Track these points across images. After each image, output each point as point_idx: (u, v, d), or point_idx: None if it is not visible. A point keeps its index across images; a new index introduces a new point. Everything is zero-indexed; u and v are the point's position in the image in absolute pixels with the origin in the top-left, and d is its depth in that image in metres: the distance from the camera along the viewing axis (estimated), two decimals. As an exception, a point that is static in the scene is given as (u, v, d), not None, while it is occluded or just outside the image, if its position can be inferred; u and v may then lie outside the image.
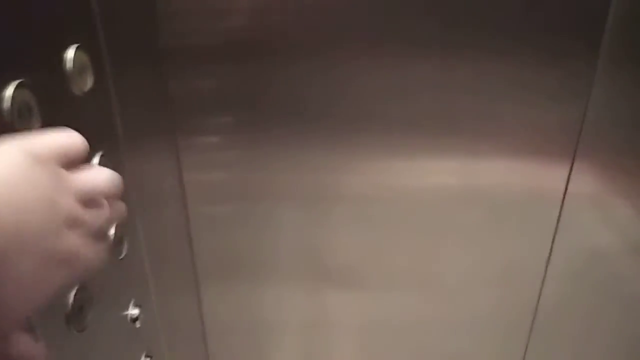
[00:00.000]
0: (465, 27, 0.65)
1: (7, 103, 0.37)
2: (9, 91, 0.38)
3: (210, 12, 0.65)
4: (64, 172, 0.31)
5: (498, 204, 0.78)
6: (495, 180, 0.76)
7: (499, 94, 0.69)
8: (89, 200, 0.33)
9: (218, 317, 0.90)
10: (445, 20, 0.65)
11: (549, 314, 0.86)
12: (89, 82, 0.51)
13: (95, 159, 0.52)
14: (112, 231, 0.57)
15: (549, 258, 0.81)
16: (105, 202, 0.35)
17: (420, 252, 0.82)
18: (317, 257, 0.84)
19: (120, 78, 0.57)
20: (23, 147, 0.29)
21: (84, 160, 0.34)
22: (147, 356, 0.70)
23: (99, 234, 0.34)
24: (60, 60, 0.47)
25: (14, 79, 0.38)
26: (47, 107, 0.42)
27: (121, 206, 0.37)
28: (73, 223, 0.31)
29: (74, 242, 0.31)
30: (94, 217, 0.33)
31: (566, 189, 0.75)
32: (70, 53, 0.47)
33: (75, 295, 0.48)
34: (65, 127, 0.33)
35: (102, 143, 0.54)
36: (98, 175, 0.34)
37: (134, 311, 0.63)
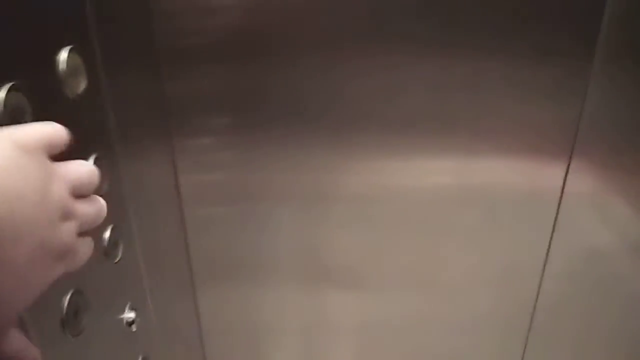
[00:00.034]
0: (461, 27, 0.65)
1: (-1, 106, 0.37)
2: (1, 94, 0.37)
3: (206, 11, 0.65)
4: (51, 162, 0.31)
5: (495, 203, 0.78)
6: (493, 179, 0.76)
7: (495, 93, 0.69)
8: (78, 193, 0.33)
9: (215, 319, 0.90)
10: (442, 20, 0.65)
11: (548, 313, 0.86)
12: (82, 84, 0.50)
13: (90, 162, 0.52)
14: (107, 234, 0.57)
15: (546, 257, 0.81)
16: (93, 196, 0.35)
17: (419, 251, 0.82)
18: (314, 258, 0.84)
19: (115, 80, 0.56)
20: (10, 137, 0.28)
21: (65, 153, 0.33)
22: (143, 360, 0.70)
23: (88, 229, 0.34)
24: (53, 62, 0.46)
25: (6, 82, 0.38)
26: (40, 109, 0.41)
27: (103, 203, 0.37)
28: (67, 215, 0.30)
29: (69, 235, 0.31)
30: (84, 210, 0.33)
31: (563, 187, 0.75)
32: (63, 55, 0.47)
33: (70, 299, 0.48)
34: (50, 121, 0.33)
35: (96, 145, 0.54)
36: (80, 167, 0.34)
37: (129, 315, 0.62)
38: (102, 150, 0.54)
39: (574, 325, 0.86)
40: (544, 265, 0.82)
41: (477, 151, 0.74)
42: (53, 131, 0.32)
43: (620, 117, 0.69)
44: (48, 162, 0.31)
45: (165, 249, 0.78)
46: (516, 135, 0.72)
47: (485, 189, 0.77)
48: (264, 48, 0.67)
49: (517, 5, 0.64)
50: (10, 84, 0.38)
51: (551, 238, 0.80)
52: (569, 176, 0.74)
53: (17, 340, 0.31)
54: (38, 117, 0.41)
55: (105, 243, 0.57)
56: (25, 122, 0.40)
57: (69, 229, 0.31)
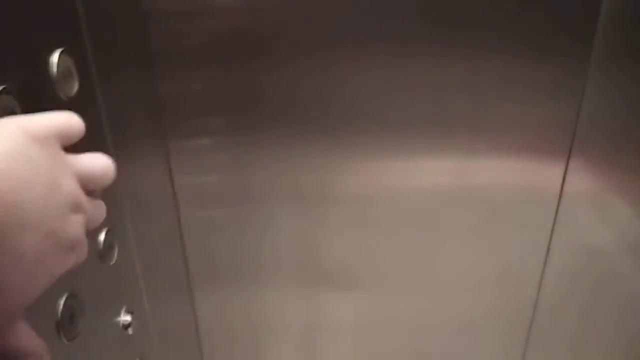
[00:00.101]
0: (459, 27, 0.65)
1: (-11, 110, 0.37)
2: (-9, 97, 0.37)
3: (200, 12, 0.64)
4: (63, 152, 0.31)
5: (494, 203, 0.78)
6: (492, 179, 0.76)
7: (494, 93, 0.69)
8: (91, 186, 0.32)
9: (213, 321, 0.90)
10: (440, 20, 0.65)
11: (547, 313, 0.86)
12: (74, 87, 0.50)
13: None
14: (102, 236, 0.57)
15: (546, 256, 0.81)
16: (96, 193, 0.34)
17: (418, 252, 0.82)
18: (312, 259, 0.84)
19: (108, 81, 0.56)
20: (21, 125, 0.28)
21: (82, 143, 0.33)
22: (140, 363, 0.69)
23: (94, 226, 0.33)
24: (45, 64, 0.46)
25: (-3, 85, 0.38)
26: (32, 113, 0.41)
27: (104, 206, 0.36)
28: (76, 208, 0.30)
29: (77, 227, 0.30)
30: (92, 206, 0.33)
31: (562, 187, 0.75)
32: (54, 57, 0.46)
33: (66, 302, 0.47)
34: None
35: (90, 148, 0.53)
36: (95, 160, 0.33)
37: (126, 318, 0.62)
38: (95, 152, 0.53)
39: (573, 325, 0.86)
40: (544, 265, 0.82)
41: (476, 151, 0.73)
42: (67, 120, 0.32)
43: (619, 115, 0.69)
44: (60, 152, 0.30)
45: (161, 251, 0.78)
46: (515, 135, 0.72)
47: (484, 189, 0.77)
48: (260, 48, 0.67)
49: (515, 5, 0.64)
50: (1, 87, 0.38)
51: (550, 237, 0.80)
52: (567, 175, 0.74)
53: (24, 334, 0.30)
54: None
55: (101, 246, 0.57)
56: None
57: (77, 221, 0.30)
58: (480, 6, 0.64)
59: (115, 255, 0.60)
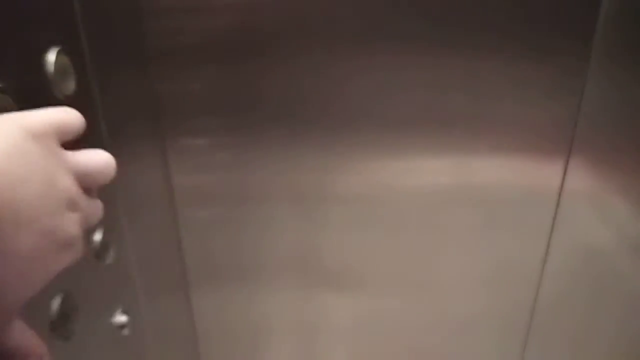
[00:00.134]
0: (458, 26, 0.65)
1: (-15, 109, 0.37)
2: (-14, 96, 0.37)
3: (198, 10, 0.64)
4: (61, 149, 0.30)
5: (494, 202, 0.77)
6: (491, 178, 0.76)
7: (493, 93, 0.69)
8: (89, 184, 0.32)
9: (210, 322, 0.90)
10: (438, 19, 0.65)
11: (547, 312, 0.86)
12: (71, 86, 0.50)
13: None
14: (97, 236, 0.56)
15: (545, 256, 0.81)
16: (92, 191, 0.34)
17: (417, 251, 0.82)
18: (311, 259, 0.83)
19: (105, 80, 0.56)
20: (17, 121, 0.28)
21: (80, 140, 0.33)
22: (137, 363, 0.69)
23: (91, 224, 0.33)
24: (41, 63, 0.45)
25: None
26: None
27: (101, 204, 0.36)
28: (73, 206, 0.30)
29: (74, 225, 0.30)
30: (89, 203, 0.32)
31: (562, 186, 0.75)
32: (51, 56, 0.46)
33: (60, 302, 0.47)
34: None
35: (87, 147, 0.53)
36: (94, 157, 0.33)
37: (121, 318, 0.62)
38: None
39: (572, 324, 0.86)
40: (543, 264, 0.82)
41: (475, 150, 0.73)
42: (65, 117, 0.31)
43: (618, 115, 0.69)
44: (57, 148, 0.30)
45: (158, 251, 0.77)
46: (514, 134, 0.72)
47: (483, 188, 0.77)
48: (259, 47, 0.67)
49: (515, 5, 0.64)
50: (-4, 86, 0.38)
51: (550, 237, 0.80)
52: (567, 175, 0.74)
53: (21, 333, 0.30)
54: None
55: (96, 245, 0.56)
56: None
57: (73, 219, 0.30)
58: (480, 6, 0.64)
59: (111, 255, 0.60)
